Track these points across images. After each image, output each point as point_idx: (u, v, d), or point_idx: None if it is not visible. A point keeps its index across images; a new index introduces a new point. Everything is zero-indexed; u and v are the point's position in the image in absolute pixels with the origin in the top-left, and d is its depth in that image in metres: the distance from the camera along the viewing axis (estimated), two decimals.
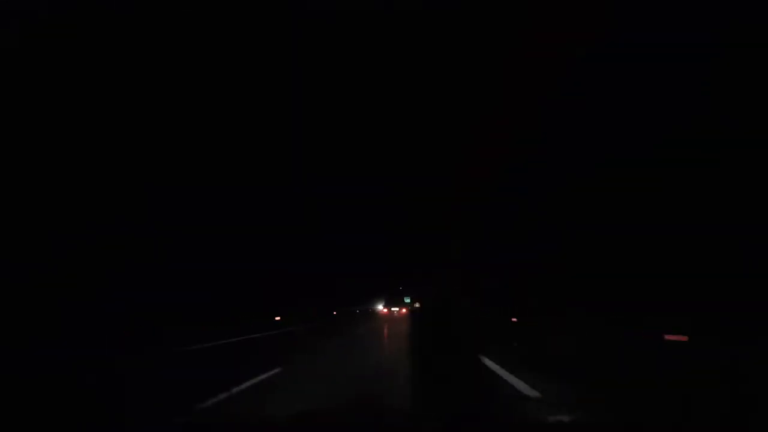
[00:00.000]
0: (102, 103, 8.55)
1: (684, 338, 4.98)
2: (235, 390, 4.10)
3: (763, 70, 6.67)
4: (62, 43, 7.29)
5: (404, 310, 36.07)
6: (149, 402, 3.70)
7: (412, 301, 54.05)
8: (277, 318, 16.44)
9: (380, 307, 49.35)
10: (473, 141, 16.90)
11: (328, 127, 15.91)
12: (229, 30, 10.00)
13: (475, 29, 10.69)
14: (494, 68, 12.28)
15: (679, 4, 7.75)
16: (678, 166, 8.75)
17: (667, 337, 5.22)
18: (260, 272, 15.74)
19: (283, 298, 17.31)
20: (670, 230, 9.57)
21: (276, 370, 5.24)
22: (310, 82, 12.97)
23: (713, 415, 2.98)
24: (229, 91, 11.74)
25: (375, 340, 11.05)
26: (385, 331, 14.45)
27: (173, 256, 10.84)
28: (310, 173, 17.97)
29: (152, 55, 8.98)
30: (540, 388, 4.18)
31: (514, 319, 15.06)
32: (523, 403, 3.66)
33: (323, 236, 22.75)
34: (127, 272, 9.05)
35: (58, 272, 7.25)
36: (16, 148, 6.82)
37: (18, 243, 6.60)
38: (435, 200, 28.27)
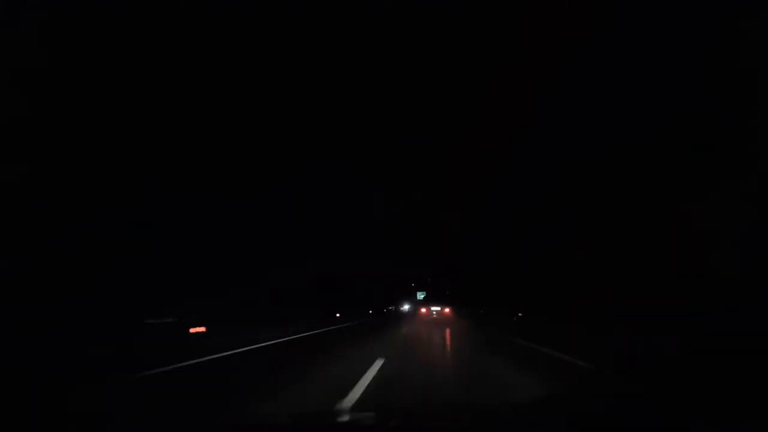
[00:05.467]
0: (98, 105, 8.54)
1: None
2: None
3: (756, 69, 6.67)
4: (58, 43, 7.29)
5: (447, 310, 32.36)
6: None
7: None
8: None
9: (406, 307, 44.58)
10: (470, 141, 16.88)
11: (329, 125, 15.89)
12: (227, 29, 9.99)
13: (471, 29, 10.67)
14: (492, 66, 12.26)
15: (672, 3, 7.75)
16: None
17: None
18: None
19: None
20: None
21: None
22: (310, 83, 12.96)
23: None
24: (229, 92, 11.73)
25: None
26: None
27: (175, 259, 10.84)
28: (307, 173, 17.95)
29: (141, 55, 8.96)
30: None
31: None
32: None
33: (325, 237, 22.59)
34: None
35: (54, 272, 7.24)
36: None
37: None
38: (435, 201, 28.25)
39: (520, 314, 18.39)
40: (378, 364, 5.14)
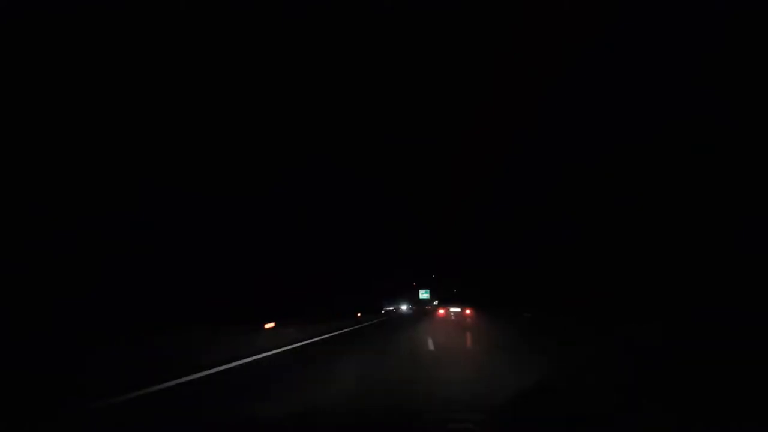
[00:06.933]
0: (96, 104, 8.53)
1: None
2: None
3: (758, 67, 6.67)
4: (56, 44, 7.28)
5: (468, 311, 25.23)
6: None
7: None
8: None
9: (404, 308, 40.05)
10: (469, 141, 16.89)
11: (329, 125, 15.89)
12: (227, 29, 9.99)
13: (471, 28, 10.69)
14: (491, 65, 12.27)
15: (672, 4, 7.76)
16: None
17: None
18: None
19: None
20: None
21: None
22: (310, 82, 12.96)
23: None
24: (231, 91, 11.72)
25: None
26: None
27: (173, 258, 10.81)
28: (304, 173, 17.93)
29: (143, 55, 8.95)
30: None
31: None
32: None
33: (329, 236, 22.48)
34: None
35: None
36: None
37: None
38: (436, 201, 28.32)
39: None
40: None
